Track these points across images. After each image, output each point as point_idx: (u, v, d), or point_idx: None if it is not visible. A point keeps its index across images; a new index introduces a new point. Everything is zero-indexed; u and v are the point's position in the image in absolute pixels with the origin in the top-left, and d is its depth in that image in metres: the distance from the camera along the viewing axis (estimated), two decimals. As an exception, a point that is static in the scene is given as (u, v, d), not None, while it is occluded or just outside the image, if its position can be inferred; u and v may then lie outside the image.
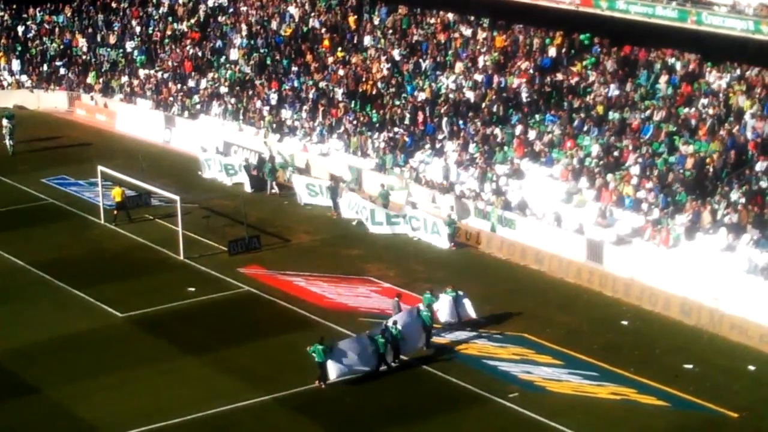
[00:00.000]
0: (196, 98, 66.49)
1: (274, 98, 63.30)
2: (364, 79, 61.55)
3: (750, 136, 46.27)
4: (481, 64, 58.70)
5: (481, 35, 60.61)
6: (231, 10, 74.13)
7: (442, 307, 39.86)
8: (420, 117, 56.58)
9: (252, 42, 69.40)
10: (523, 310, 41.72)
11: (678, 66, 51.99)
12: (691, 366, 37.28)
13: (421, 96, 58.17)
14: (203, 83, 67.73)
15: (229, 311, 42.32)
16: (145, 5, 78.10)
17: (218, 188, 56.68)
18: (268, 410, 35.05)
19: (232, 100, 64.57)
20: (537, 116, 53.65)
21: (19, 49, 75.90)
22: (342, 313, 41.56)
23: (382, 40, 64.38)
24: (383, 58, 62.59)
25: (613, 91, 52.22)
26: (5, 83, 74.11)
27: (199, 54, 70.71)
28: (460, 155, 52.76)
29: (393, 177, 53.50)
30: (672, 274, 41.92)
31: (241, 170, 56.89)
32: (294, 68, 65.55)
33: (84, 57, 75.15)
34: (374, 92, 60.35)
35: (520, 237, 47.24)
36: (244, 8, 73.42)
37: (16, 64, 74.77)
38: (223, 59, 69.53)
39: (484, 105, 55.49)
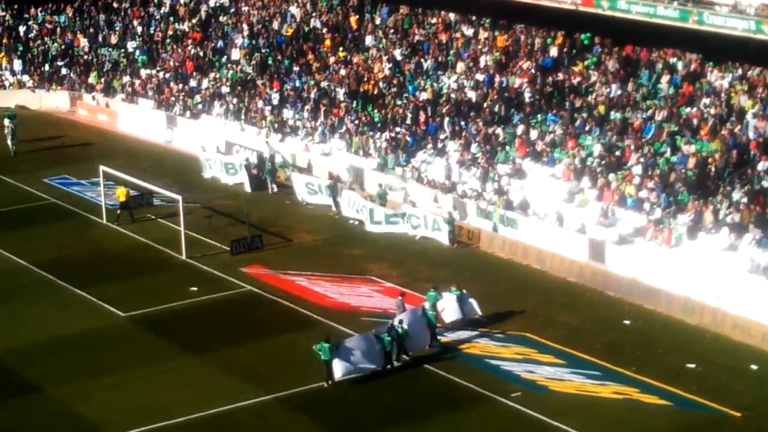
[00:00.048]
0: (197, 98, 66.49)
1: (275, 98, 63.29)
2: (365, 79, 61.54)
3: (752, 135, 46.26)
4: (482, 63, 58.68)
5: (483, 35, 60.61)
6: (232, 10, 74.14)
7: (447, 306, 39.89)
8: (422, 117, 56.56)
9: (253, 42, 69.39)
10: (525, 309, 41.72)
11: (680, 66, 51.98)
12: (693, 365, 37.26)
13: (423, 96, 58.15)
14: (205, 83, 67.73)
15: (231, 311, 42.31)
16: (146, 5, 78.10)
17: (220, 188, 56.67)
18: (269, 410, 35.03)
19: (234, 100, 64.56)
20: (539, 116, 53.62)
21: (21, 49, 75.90)
22: (344, 313, 41.55)
23: (384, 40, 64.37)
24: (385, 58, 62.58)
25: (615, 90, 52.20)
26: (7, 83, 74.11)
27: (201, 54, 70.70)
28: (461, 155, 52.74)
29: (391, 176, 53.50)
30: (674, 273, 41.90)
31: (241, 169, 56.90)
32: (295, 68, 65.55)
33: (86, 57, 75.14)
34: (376, 92, 60.34)
35: (522, 236, 47.22)
36: (245, 8, 73.44)
37: (17, 64, 74.78)
38: (224, 59, 69.53)
39: (485, 105, 55.47)
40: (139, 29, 75.98)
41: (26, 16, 78.60)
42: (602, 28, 54.77)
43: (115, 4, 79.06)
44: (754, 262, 40.59)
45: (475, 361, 37.77)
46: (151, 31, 75.40)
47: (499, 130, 53.23)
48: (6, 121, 64.12)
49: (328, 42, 66.64)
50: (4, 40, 76.51)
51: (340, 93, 61.45)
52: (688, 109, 49.22)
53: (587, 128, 51.08)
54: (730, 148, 45.81)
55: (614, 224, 45.52)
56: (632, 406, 34.81)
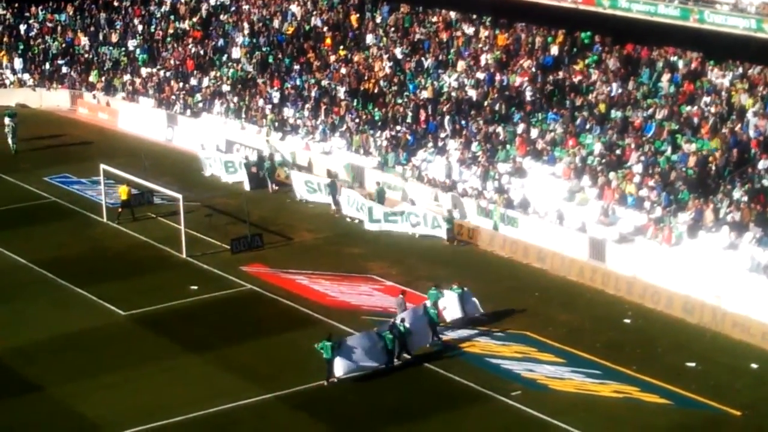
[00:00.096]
0: (198, 97, 66.51)
1: (276, 97, 63.31)
2: (366, 78, 61.55)
3: (752, 134, 46.27)
4: (483, 62, 58.71)
5: (483, 33, 60.62)
6: (233, 8, 74.20)
7: (449, 305, 39.89)
8: (422, 115, 56.57)
9: (254, 40, 69.42)
10: (525, 308, 41.72)
11: (680, 64, 51.99)
12: (693, 364, 37.25)
13: (424, 94, 58.17)
14: (205, 81, 67.76)
15: (232, 309, 42.31)
16: (147, 4, 78.14)
17: (220, 186, 56.68)
18: (270, 408, 35.03)
19: (235, 99, 64.58)
20: (539, 115, 53.64)
21: (22, 47, 75.93)
22: (344, 312, 41.55)
23: (384, 39, 64.38)
24: (385, 57, 62.60)
25: (616, 89, 52.21)
26: (7, 82, 74.13)
27: (202, 52, 70.73)
28: (462, 154, 52.75)
29: (390, 175, 53.51)
30: (674, 272, 41.90)
31: (241, 168, 56.91)
32: (296, 66, 65.58)
33: (86, 55, 75.18)
34: (376, 90, 60.35)
35: (522, 235, 47.22)
36: (246, 6, 73.49)
37: (18, 63, 74.79)
38: (225, 57, 69.56)
39: (486, 103, 55.50)
40: (140, 28, 76.01)
41: (27, 14, 78.64)
42: (603, 26, 54.80)
43: (115, 3, 79.11)
44: (754, 260, 40.59)
45: (475, 360, 37.77)
46: (152, 30, 75.45)
47: (499, 129, 53.24)
48: (6, 120, 64.11)
49: (328, 40, 66.67)
50: (5, 39, 76.55)
51: (341, 91, 61.47)
52: (688, 108, 49.22)
53: (588, 127, 51.08)
54: (731, 147, 45.81)
55: (615, 223, 45.53)
56: (632, 404, 34.80)
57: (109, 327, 41.04)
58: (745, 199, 43.25)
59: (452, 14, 63.34)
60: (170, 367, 37.73)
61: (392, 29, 64.88)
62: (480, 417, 34.31)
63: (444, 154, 53.54)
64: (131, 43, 74.56)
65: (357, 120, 58.40)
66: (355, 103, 59.98)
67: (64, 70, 74.28)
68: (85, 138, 65.78)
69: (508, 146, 52.12)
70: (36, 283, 45.06)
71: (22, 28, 77.45)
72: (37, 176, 58.40)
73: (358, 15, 67.62)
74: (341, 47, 65.66)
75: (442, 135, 54.98)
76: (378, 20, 66.36)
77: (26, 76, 74.35)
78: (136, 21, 76.77)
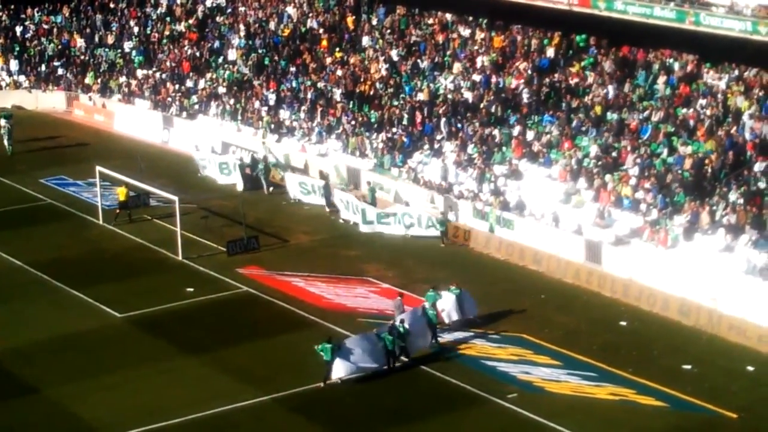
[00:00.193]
0: (194, 98, 66.50)
1: (272, 99, 63.31)
2: (362, 80, 61.57)
3: (748, 136, 46.29)
4: (479, 64, 58.71)
5: (479, 36, 60.63)
6: (229, 10, 74.15)
7: (447, 306, 39.93)
8: (418, 117, 56.59)
9: (250, 42, 69.41)
10: (521, 310, 41.74)
11: (676, 66, 52.01)
12: (689, 366, 37.29)
13: (420, 96, 58.18)
14: (201, 83, 67.74)
15: (228, 311, 42.32)
16: (143, 5, 78.11)
17: (216, 188, 56.70)
18: (266, 410, 35.04)
19: (231, 101, 64.57)
20: (535, 117, 53.67)
21: (17, 49, 75.88)
22: (340, 314, 41.56)
23: (380, 41, 64.39)
24: (381, 59, 62.61)
25: (612, 91, 52.24)
26: (3, 83, 74.08)
27: (198, 54, 70.71)
28: (458, 156, 52.78)
29: (383, 176, 53.50)
30: (670, 274, 41.93)
31: (235, 169, 56.94)
32: (292, 68, 65.56)
33: (82, 57, 75.14)
34: (372, 93, 60.36)
35: (518, 237, 47.25)
36: (242, 9, 73.46)
37: (14, 65, 74.76)
38: (221, 60, 69.54)
39: (482, 105, 55.51)
40: (136, 30, 75.97)
41: (23, 16, 78.59)
42: (599, 28, 54.80)
43: (111, 5, 79.02)
44: (750, 263, 40.63)
45: (471, 363, 37.80)
46: (148, 32, 75.39)
47: (495, 131, 53.27)
48: (2, 122, 64.12)
49: (324, 42, 66.66)
50: (1, 41, 76.46)
51: (337, 93, 61.48)
52: (684, 110, 49.25)
53: (584, 129, 51.12)
54: (727, 149, 45.84)
55: (611, 225, 45.56)
56: (628, 407, 34.83)
57: (106, 329, 41.06)
58: (741, 201, 43.29)
59: (448, 16, 63.32)
60: (167, 369, 37.75)
61: (388, 31, 64.88)
62: (476, 419, 34.33)
63: (440, 156, 53.56)
64: (127, 45, 74.56)
65: (353, 122, 58.42)
66: (351, 105, 60.00)
67: (60, 71, 74.26)
68: (81, 140, 65.77)
69: (504, 148, 52.15)
70: (33, 285, 45.05)
71: (18, 29, 77.39)
72: (33, 178, 58.40)
73: (354, 17, 67.61)
74: (337, 49, 65.67)
75: (438, 137, 55.01)
76: (374, 22, 66.36)
77: (22, 78, 74.31)
78: (132, 23, 76.73)
